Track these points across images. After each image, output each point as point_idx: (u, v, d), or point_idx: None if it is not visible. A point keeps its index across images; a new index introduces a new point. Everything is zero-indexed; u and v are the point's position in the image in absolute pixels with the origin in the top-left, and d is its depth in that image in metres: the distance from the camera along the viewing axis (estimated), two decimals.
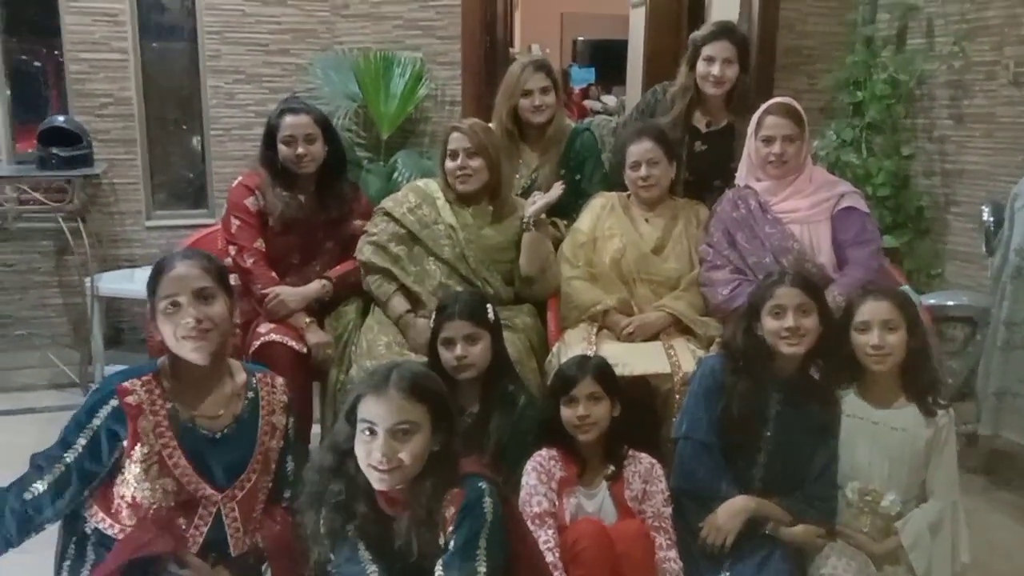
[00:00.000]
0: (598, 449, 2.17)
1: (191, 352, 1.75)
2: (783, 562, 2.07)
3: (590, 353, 2.52)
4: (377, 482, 1.62)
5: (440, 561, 1.60)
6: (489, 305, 2.32)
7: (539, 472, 2.10)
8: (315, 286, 2.80)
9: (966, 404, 3.10)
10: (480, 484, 1.65)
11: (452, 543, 1.60)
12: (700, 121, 3.03)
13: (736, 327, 2.25)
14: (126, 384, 1.75)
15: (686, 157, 2.98)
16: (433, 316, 2.34)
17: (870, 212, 2.68)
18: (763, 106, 2.69)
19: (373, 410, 1.61)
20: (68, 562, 1.80)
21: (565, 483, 2.11)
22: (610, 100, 8.69)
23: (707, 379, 2.22)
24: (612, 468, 2.16)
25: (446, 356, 2.24)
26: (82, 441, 1.73)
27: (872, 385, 2.18)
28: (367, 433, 1.61)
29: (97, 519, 1.75)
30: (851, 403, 2.19)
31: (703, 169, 2.99)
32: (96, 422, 1.73)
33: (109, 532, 1.74)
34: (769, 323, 2.14)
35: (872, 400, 2.18)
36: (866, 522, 2.13)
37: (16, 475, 1.75)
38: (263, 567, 1.88)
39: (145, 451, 1.72)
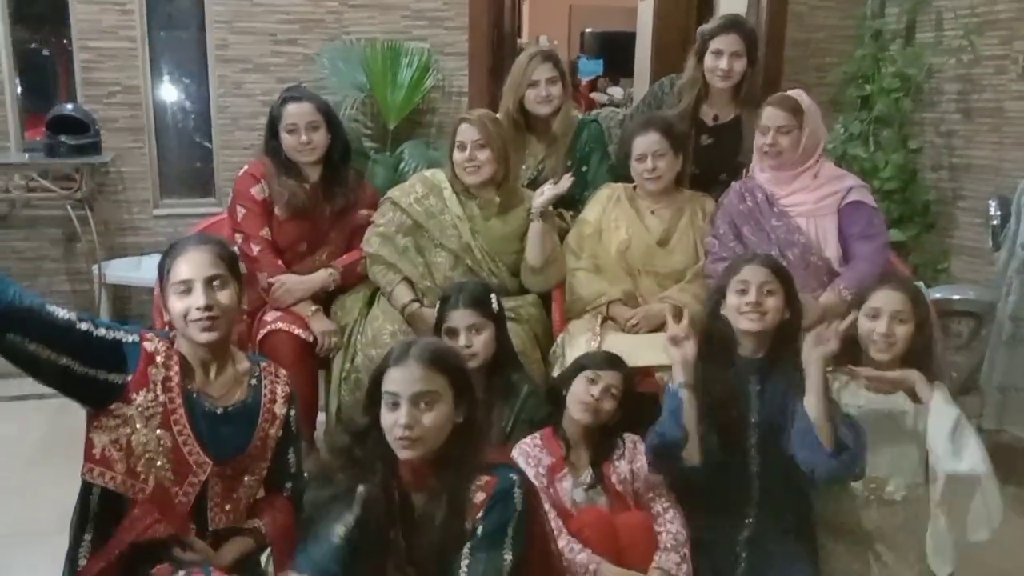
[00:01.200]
0: (586, 435, 2.17)
1: (199, 335, 1.77)
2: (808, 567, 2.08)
3: (594, 344, 2.54)
4: (401, 452, 1.63)
5: (468, 545, 1.61)
6: (493, 295, 2.33)
7: (526, 457, 2.11)
8: (321, 275, 2.81)
9: (970, 398, 3.10)
10: (511, 475, 1.66)
11: (480, 529, 1.61)
12: (707, 115, 3.02)
13: (705, 309, 2.27)
14: (148, 332, 1.80)
15: (693, 151, 2.96)
16: (437, 305, 2.35)
17: (877, 207, 2.68)
18: (767, 100, 2.69)
19: (395, 381, 1.64)
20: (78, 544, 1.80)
21: (554, 470, 2.12)
22: (616, 92, 8.65)
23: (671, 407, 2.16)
24: (596, 455, 2.16)
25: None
26: (100, 331, 1.71)
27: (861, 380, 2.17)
28: (391, 405, 1.64)
29: (93, 476, 1.73)
30: (846, 393, 2.18)
31: (710, 163, 2.98)
32: (115, 333, 1.73)
33: (110, 485, 1.72)
34: (732, 299, 2.14)
35: (872, 387, 2.17)
36: (873, 512, 2.12)
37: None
38: (264, 555, 1.90)
39: (150, 398, 1.73)
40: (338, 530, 1.63)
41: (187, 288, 1.78)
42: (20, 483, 2.91)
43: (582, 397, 2.14)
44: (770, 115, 2.62)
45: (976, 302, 3.29)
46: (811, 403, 1.99)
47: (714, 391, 2.12)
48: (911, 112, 3.95)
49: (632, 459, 2.15)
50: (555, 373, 2.50)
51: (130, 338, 1.77)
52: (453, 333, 2.25)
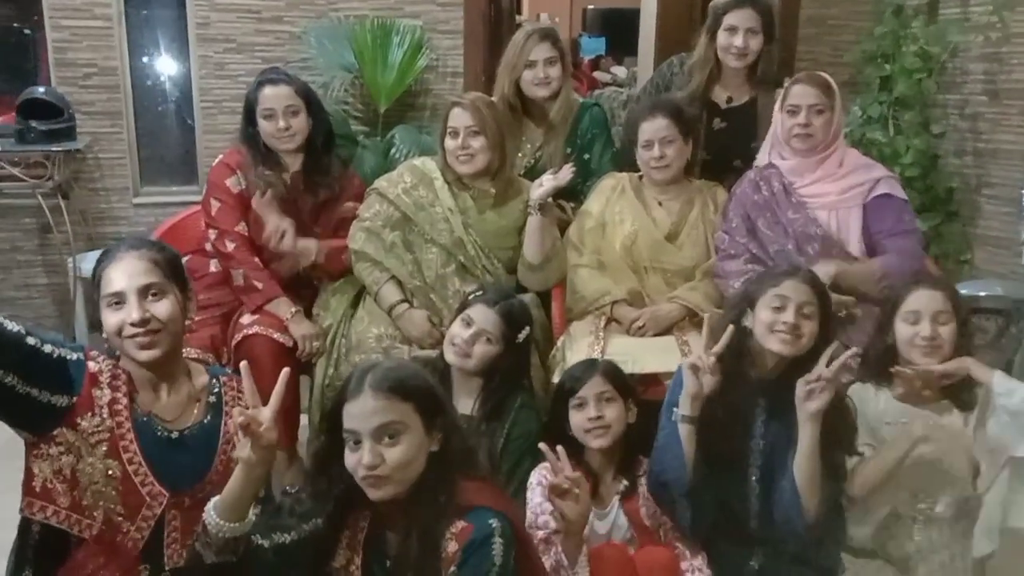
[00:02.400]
0: (611, 461, 2.02)
1: (137, 353, 1.61)
2: None
3: (597, 348, 2.40)
4: (371, 492, 1.47)
5: None
6: (527, 329, 2.19)
7: (544, 487, 1.91)
8: (311, 242, 2.63)
9: None
10: (490, 521, 1.46)
11: None
12: (720, 96, 2.84)
13: (725, 317, 2.07)
14: (93, 351, 1.64)
15: (704, 135, 2.80)
16: (471, 293, 2.23)
17: (907, 200, 2.50)
18: (793, 77, 2.51)
19: (352, 416, 1.47)
20: None
21: None
22: (620, 72, 8.46)
23: (677, 389, 1.99)
24: (626, 483, 2.00)
25: (456, 331, 2.12)
26: (47, 348, 1.57)
27: (909, 384, 2.03)
28: (352, 444, 1.47)
29: (35, 510, 1.58)
30: (887, 409, 2.03)
31: (722, 148, 2.81)
32: (60, 351, 1.59)
33: (52, 521, 1.57)
34: (765, 314, 1.94)
35: (909, 400, 2.04)
36: (918, 534, 1.97)
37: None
38: None
39: (96, 423, 1.58)
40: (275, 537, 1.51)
41: (119, 300, 1.61)
42: None
43: (583, 427, 1.99)
44: (802, 93, 2.44)
45: (1004, 298, 3.16)
46: (800, 466, 1.83)
47: (716, 410, 1.93)
48: (934, 94, 3.74)
49: None
50: (555, 379, 2.33)
51: (74, 356, 1.61)
52: (467, 324, 2.12)
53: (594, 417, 1.97)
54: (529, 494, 1.95)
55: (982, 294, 3.19)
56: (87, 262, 3.71)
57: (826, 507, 1.86)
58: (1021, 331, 2.90)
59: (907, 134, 3.68)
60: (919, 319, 2.01)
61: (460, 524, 1.46)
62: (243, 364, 1.57)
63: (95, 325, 1.71)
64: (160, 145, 4.14)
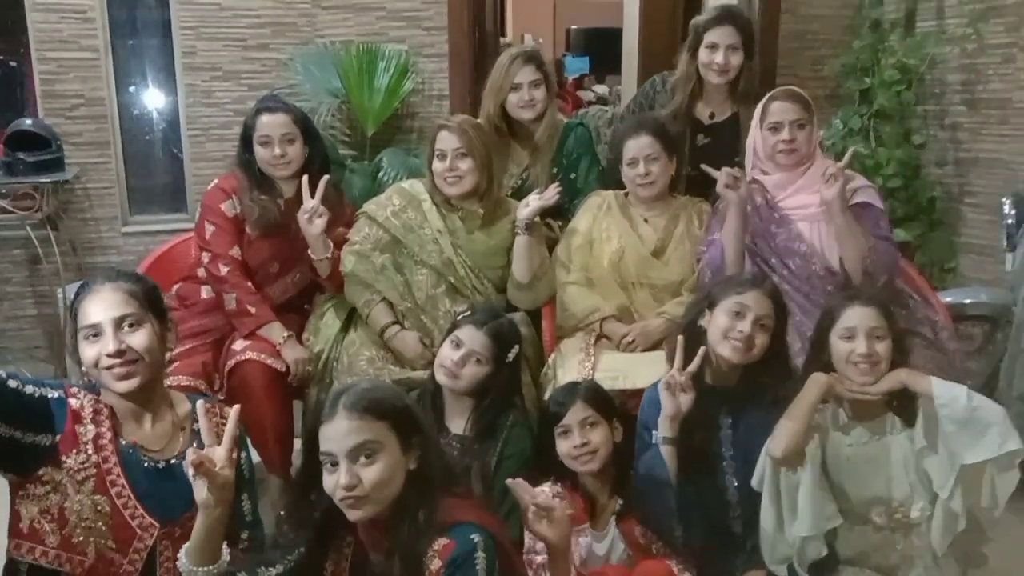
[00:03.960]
0: (604, 482, 2.02)
1: (115, 384, 1.61)
2: None
3: (588, 364, 2.40)
4: (350, 513, 1.48)
5: None
6: (516, 348, 2.20)
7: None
8: (322, 237, 2.59)
9: None
10: (472, 536, 1.47)
11: None
12: (702, 113, 2.87)
13: (685, 317, 2.12)
14: (73, 387, 1.64)
15: (688, 151, 2.82)
16: (460, 314, 2.22)
17: (884, 209, 2.51)
18: (768, 95, 2.53)
19: (328, 439, 1.48)
20: None
21: (572, 522, 1.91)
22: (601, 89, 8.54)
23: (648, 410, 2.04)
24: (620, 502, 2.00)
25: (445, 353, 2.12)
26: (28, 389, 1.58)
27: (856, 401, 2.00)
28: (329, 466, 1.48)
29: (22, 553, 1.57)
30: (845, 433, 2.01)
31: (707, 163, 2.81)
32: (40, 390, 1.59)
33: (42, 562, 1.56)
34: (723, 319, 1.98)
35: (859, 417, 2.01)
36: (900, 540, 1.98)
37: None
38: None
39: (81, 460, 1.58)
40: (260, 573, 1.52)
41: (96, 332, 1.61)
42: None
43: (570, 454, 1.99)
44: (783, 109, 2.46)
45: (990, 305, 3.14)
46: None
47: (684, 429, 1.97)
48: (913, 105, 3.80)
49: None
50: (547, 396, 2.33)
51: (55, 394, 1.61)
52: (456, 345, 2.12)
53: (579, 444, 1.98)
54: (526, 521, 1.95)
55: (967, 301, 3.19)
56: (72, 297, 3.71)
57: None
58: (1007, 337, 2.91)
59: (888, 145, 3.74)
60: (854, 335, 1.96)
61: (442, 541, 1.47)
62: (235, 408, 1.59)
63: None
64: (148, 174, 4.13)
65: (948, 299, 3.14)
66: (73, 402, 1.61)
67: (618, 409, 2.11)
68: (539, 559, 1.86)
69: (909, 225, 3.73)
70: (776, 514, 1.92)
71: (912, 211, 3.77)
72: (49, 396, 1.60)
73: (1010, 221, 2.95)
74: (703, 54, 2.76)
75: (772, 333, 2.00)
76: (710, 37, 2.74)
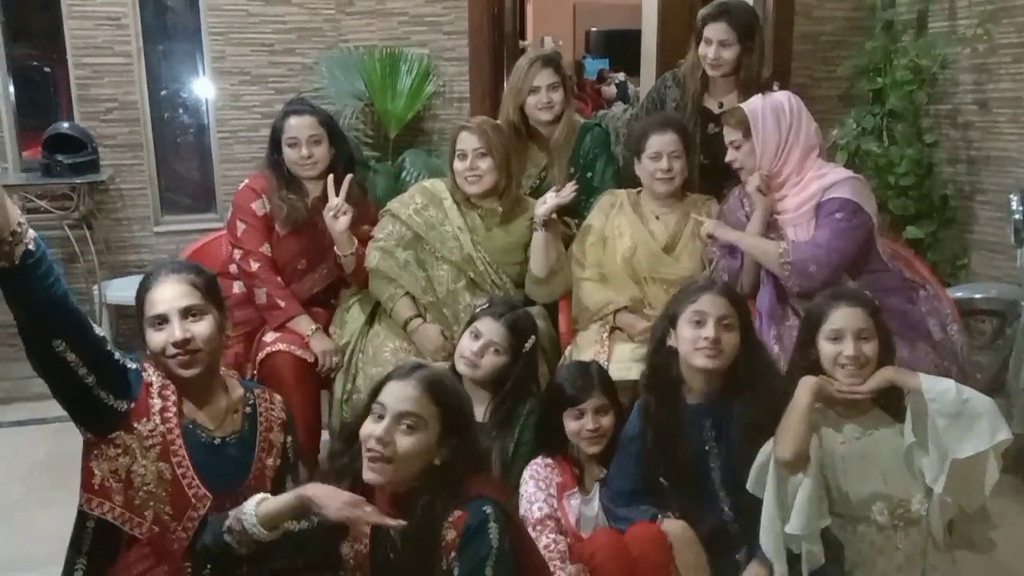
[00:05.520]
0: (595, 453, 2.16)
1: (179, 370, 1.73)
2: None
3: (603, 356, 2.48)
4: (367, 470, 1.58)
5: None
6: (533, 339, 2.29)
7: (536, 480, 2.07)
8: (346, 237, 2.69)
9: (997, 401, 2.97)
10: (485, 508, 1.57)
11: (456, 571, 1.54)
12: (711, 102, 2.95)
13: (652, 340, 2.11)
14: (146, 363, 1.75)
15: (700, 140, 2.90)
16: (481, 307, 2.32)
17: (858, 200, 2.39)
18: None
19: (389, 393, 1.61)
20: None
21: (563, 488, 2.09)
22: (619, 76, 8.65)
23: (629, 432, 2.09)
24: (604, 471, 2.14)
25: (465, 344, 2.22)
26: (116, 355, 1.68)
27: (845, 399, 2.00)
28: (377, 416, 1.60)
29: (93, 506, 1.68)
30: (837, 431, 2.02)
31: (718, 151, 2.85)
32: (124, 360, 1.70)
33: (108, 517, 1.67)
34: (686, 331, 1.98)
35: (850, 415, 2.02)
36: (902, 539, 1.97)
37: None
38: None
39: (150, 428, 1.69)
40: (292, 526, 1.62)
41: (162, 322, 1.73)
42: (16, 511, 2.86)
43: (581, 434, 2.12)
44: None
45: (999, 300, 3.20)
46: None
47: (664, 432, 2.02)
48: (925, 105, 3.85)
49: None
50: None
51: (133, 366, 1.73)
52: (475, 336, 2.21)
53: (592, 428, 2.11)
54: (523, 487, 2.07)
55: (977, 296, 3.23)
56: (112, 289, 3.84)
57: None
58: (1015, 331, 2.96)
59: (901, 144, 3.78)
60: (842, 337, 1.95)
61: (457, 513, 1.57)
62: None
63: (120, 350, 1.81)
64: (179, 175, 4.26)
65: (959, 294, 3.19)
66: (146, 376, 1.72)
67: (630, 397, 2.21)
68: (536, 515, 1.99)
69: (922, 223, 3.77)
70: (781, 514, 1.91)
71: (925, 209, 3.81)
72: (129, 366, 1.70)
73: (1018, 217, 2.99)
74: (701, 47, 2.84)
75: (739, 332, 1.99)
76: (706, 32, 2.82)
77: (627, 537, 1.98)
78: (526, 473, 2.09)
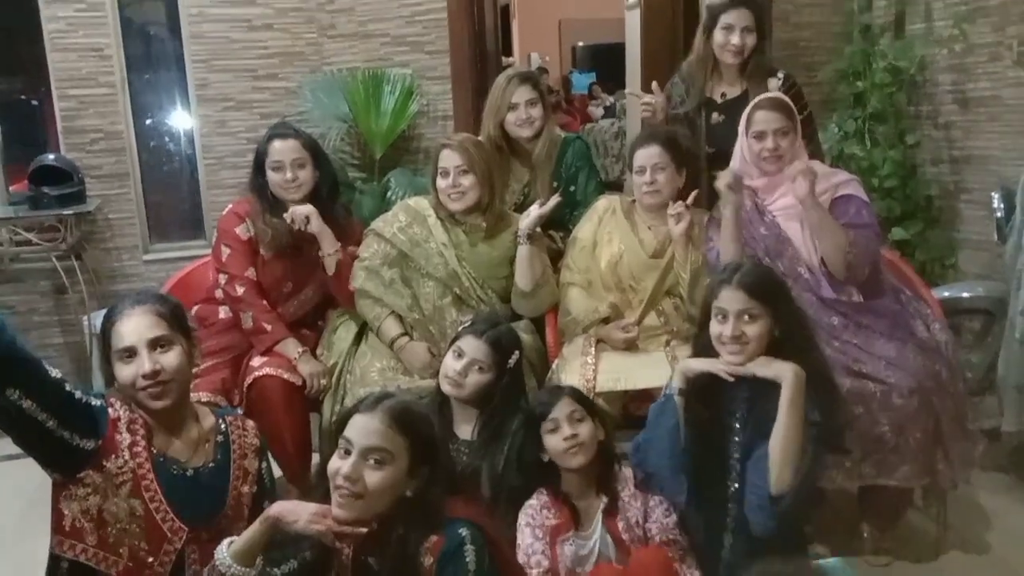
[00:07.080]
0: (590, 481, 2.07)
1: (150, 402, 1.73)
2: None
3: (590, 368, 2.48)
4: (336, 507, 1.56)
5: None
6: (517, 354, 2.27)
7: (532, 527, 2.00)
8: (331, 238, 2.72)
9: (988, 399, 2.99)
10: (460, 531, 1.57)
11: None
12: (715, 92, 2.97)
13: (697, 334, 2.15)
14: (111, 399, 1.74)
15: (704, 130, 2.94)
16: (463, 325, 2.31)
17: (870, 201, 2.55)
18: (752, 102, 2.60)
19: (355, 427, 1.59)
20: None
21: (557, 531, 2.01)
22: (608, 99, 8.70)
23: (661, 408, 2.08)
24: (606, 500, 2.06)
25: (448, 364, 2.20)
26: (78, 394, 1.67)
27: None
28: (343, 451, 1.58)
29: (64, 549, 1.67)
30: None
31: (722, 140, 2.89)
32: (87, 397, 1.69)
33: (81, 559, 1.66)
34: (713, 326, 2.02)
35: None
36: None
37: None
38: None
39: (119, 464, 1.68)
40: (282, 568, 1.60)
41: (131, 354, 1.72)
42: (13, 545, 2.80)
43: (559, 448, 2.04)
44: (765, 119, 2.52)
45: (986, 298, 3.20)
46: (777, 435, 1.90)
47: (699, 425, 2.02)
48: (906, 106, 3.87)
49: (641, 496, 2.06)
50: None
51: (98, 403, 1.72)
52: (458, 355, 2.20)
53: (569, 436, 2.02)
54: (519, 536, 2.00)
55: (964, 295, 3.24)
56: (100, 319, 3.83)
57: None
58: (1003, 328, 2.96)
59: (883, 146, 3.79)
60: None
61: (433, 538, 1.56)
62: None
63: (111, 381, 1.81)
64: (167, 203, 4.27)
65: (946, 293, 3.21)
66: (112, 412, 1.72)
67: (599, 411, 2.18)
68: (533, 573, 1.93)
69: (907, 223, 3.78)
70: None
71: (910, 209, 3.81)
72: (93, 404, 1.70)
73: (1000, 215, 3.00)
74: (718, 35, 2.86)
75: (773, 316, 1.99)
76: (726, 19, 2.85)
77: (632, 565, 1.94)
78: (521, 519, 2.03)
